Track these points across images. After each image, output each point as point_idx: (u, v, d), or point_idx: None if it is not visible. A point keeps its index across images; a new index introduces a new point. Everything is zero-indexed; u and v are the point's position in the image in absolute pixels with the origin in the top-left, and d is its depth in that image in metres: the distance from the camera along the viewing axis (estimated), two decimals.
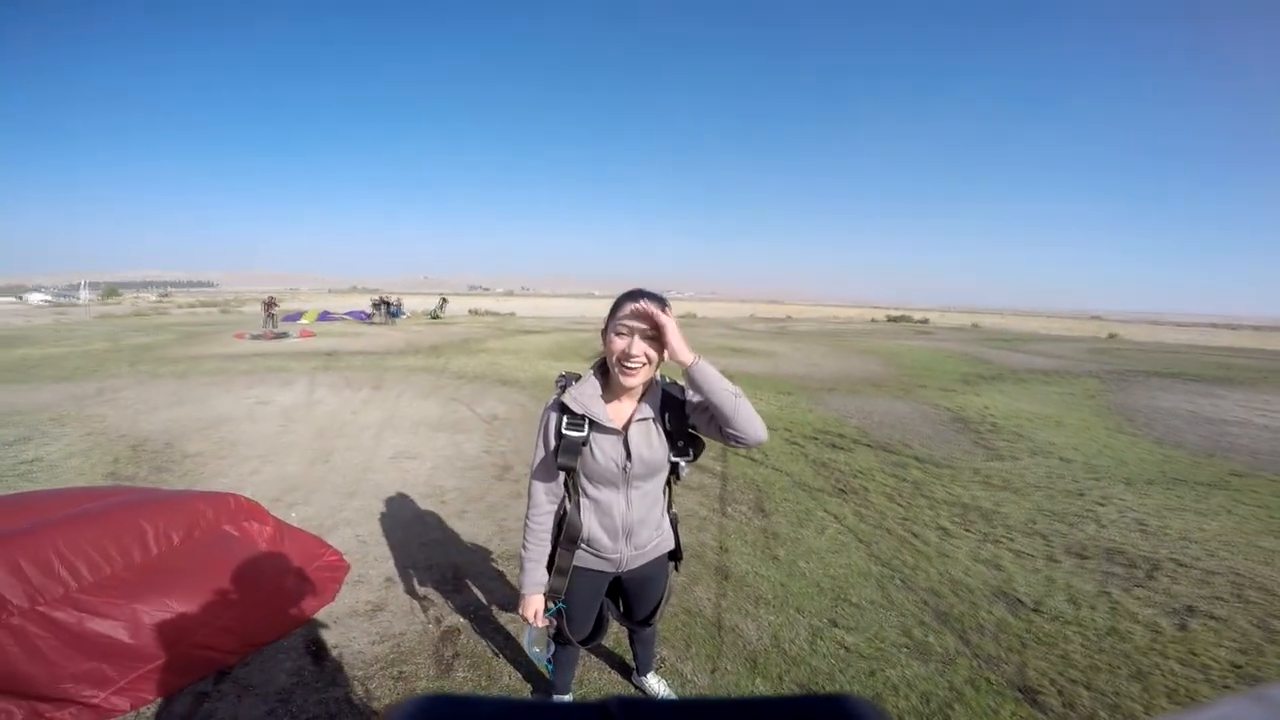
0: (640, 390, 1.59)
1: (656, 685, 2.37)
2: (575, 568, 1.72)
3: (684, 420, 1.63)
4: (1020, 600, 3.14)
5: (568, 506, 1.67)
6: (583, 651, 2.15)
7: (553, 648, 1.91)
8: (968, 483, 5.15)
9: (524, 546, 1.73)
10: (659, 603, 1.89)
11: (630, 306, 1.45)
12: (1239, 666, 2.63)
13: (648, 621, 1.92)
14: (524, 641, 1.90)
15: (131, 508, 2.71)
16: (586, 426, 1.56)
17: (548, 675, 2.06)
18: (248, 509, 3.06)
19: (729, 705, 0.36)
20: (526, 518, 1.73)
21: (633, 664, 2.41)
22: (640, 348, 1.44)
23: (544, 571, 1.74)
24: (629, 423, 1.59)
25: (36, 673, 2.09)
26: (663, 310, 1.42)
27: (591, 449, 1.57)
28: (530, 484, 1.72)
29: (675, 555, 1.86)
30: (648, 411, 1.60)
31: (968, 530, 4.07)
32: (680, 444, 1.63)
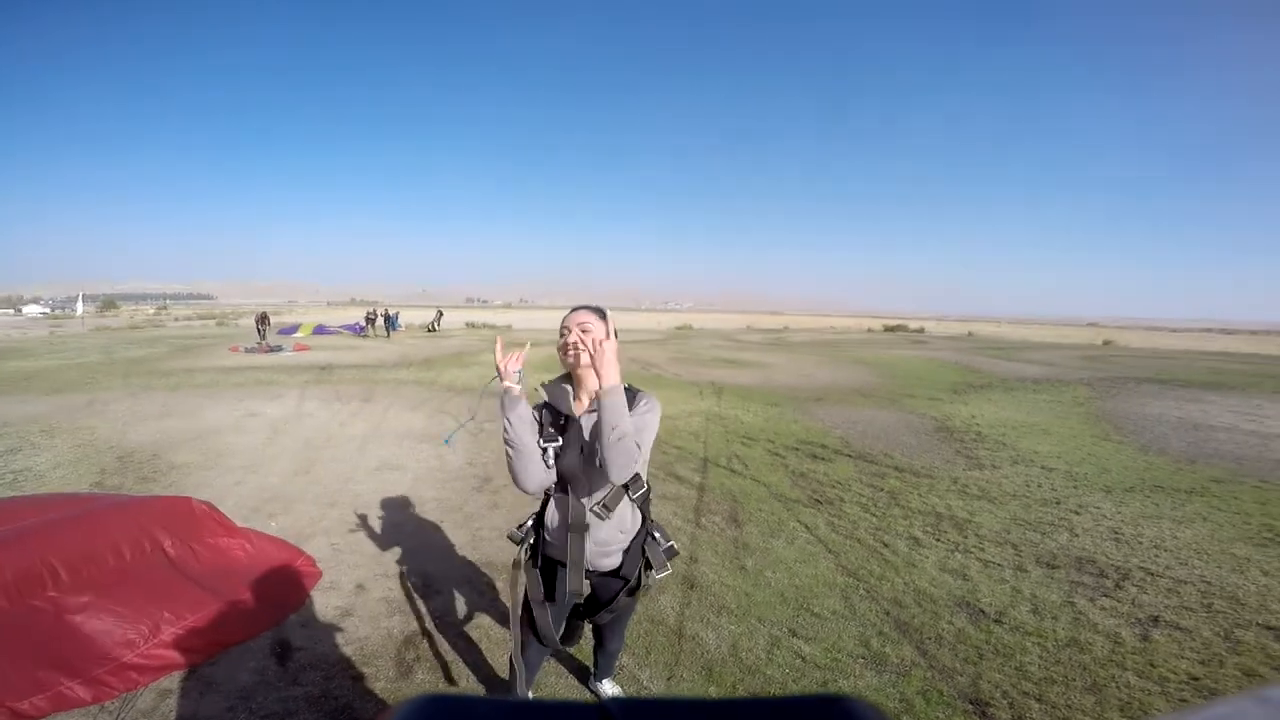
0: (594, 388, 1.78)
1: (611, 690, 2.40)
2: (546, 558, 1.88)
3: None
4: (983, 611, 3.15)
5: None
6: (547, 654, 2.23)
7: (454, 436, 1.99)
8: (944, 492, 5.18)
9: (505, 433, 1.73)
10: (610, 601, 1.90)
11: (570, 316, 1.79)
12: (1197, 679, 2.59)
13: (601, 619, 1.96)
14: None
15: (104, 513, 2.76)
16: (562, 415, 1.81)
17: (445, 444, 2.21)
18: (213, 516, 3.11)
19: (727, 705, 0.36)
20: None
21: (592, 669, 2.46)
22: (577, 336, 1.70)
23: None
24: (583, 413, 1.80)
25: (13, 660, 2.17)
26: (601, 319, 1.75)
27: (562, 435, 1.79)
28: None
29: (622, 573, 1.85)
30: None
31: (938, 540, 4.09)
32: None
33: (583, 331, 1.70)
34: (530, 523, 1.95)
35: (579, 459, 1.76)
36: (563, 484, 1.79)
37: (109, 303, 66.62)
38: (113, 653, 2.39)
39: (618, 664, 2.54)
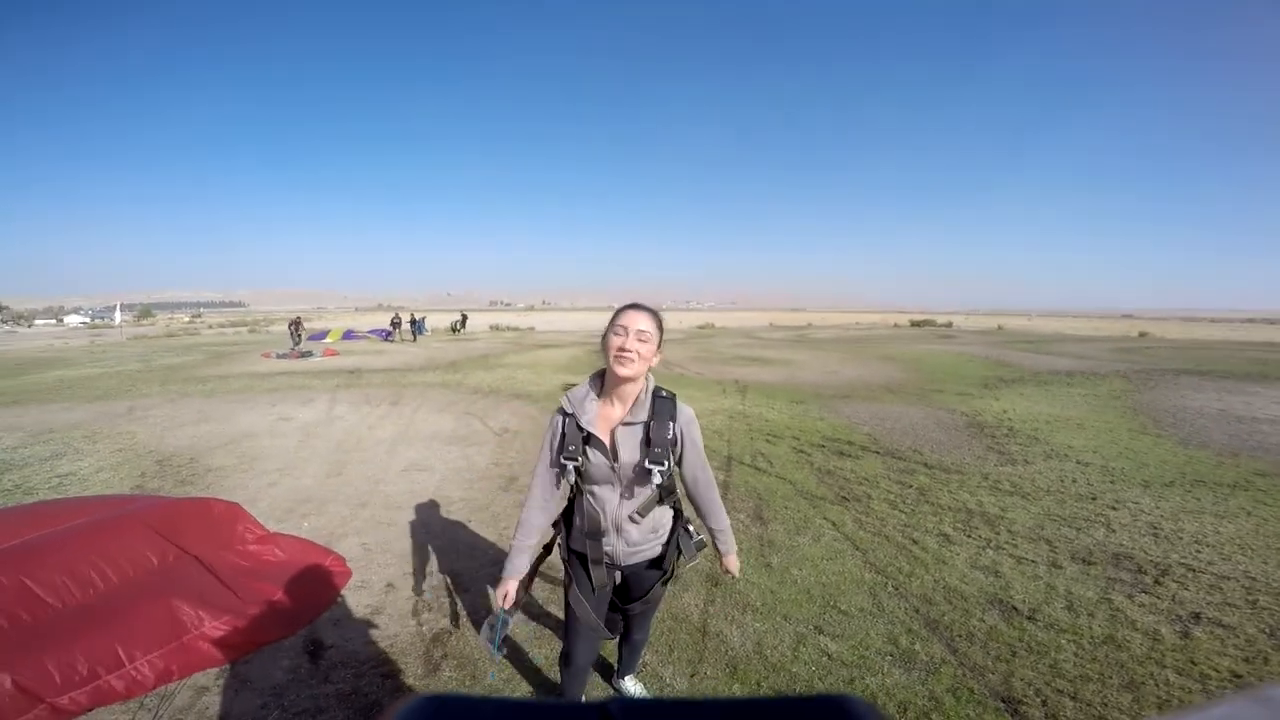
0: (632, 394, 1.76)
1: (633, 688, 2.41)
2: (575, 552, 1.89)
3: (667, 442, 1.74)
4: (1015, 608, 3.09)
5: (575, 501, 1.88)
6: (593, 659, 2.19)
7: (506, 626, 1.95)
8: (975, 488, 5.08)
9: (514, 535, 1.91)
10: (644, 594, 1.95)
11: (627, 315, 1.70)
12: (1239, 676, 2.52)
13: (634, 609, 2.00)
14: (483, 627, 1.99)
15: (137, 515, 2.85)
16: (586, 430, 1.73)
17: (492, 658, 2.25)
18: (244, 518, 3.20)
19: (728, 705, 0.37)
20: (521, 508, 1.91)
21: (615, 665, 2.47)
22: (634, 345, 1.65)
23: (525, 561, 1.92)
24: (617, 425, 1.75)
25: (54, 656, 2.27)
26: (658, 327, 1.72)
27: (587, 450, 1.74)
28: (531, 479, 1.90)
29: (660, 566, 1.90)
30: (635, 417, 1.74)
31: (969, 536, 4.02)
32: (657, 450, 1.72)
33: (640, 340, 1.66)
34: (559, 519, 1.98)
35: (608, 473, 1.74)
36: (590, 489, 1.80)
37: (145, 311, 68.79)
38: (149, 649, 2.47)
39: (641, 661, 2.55)
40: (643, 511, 1.78)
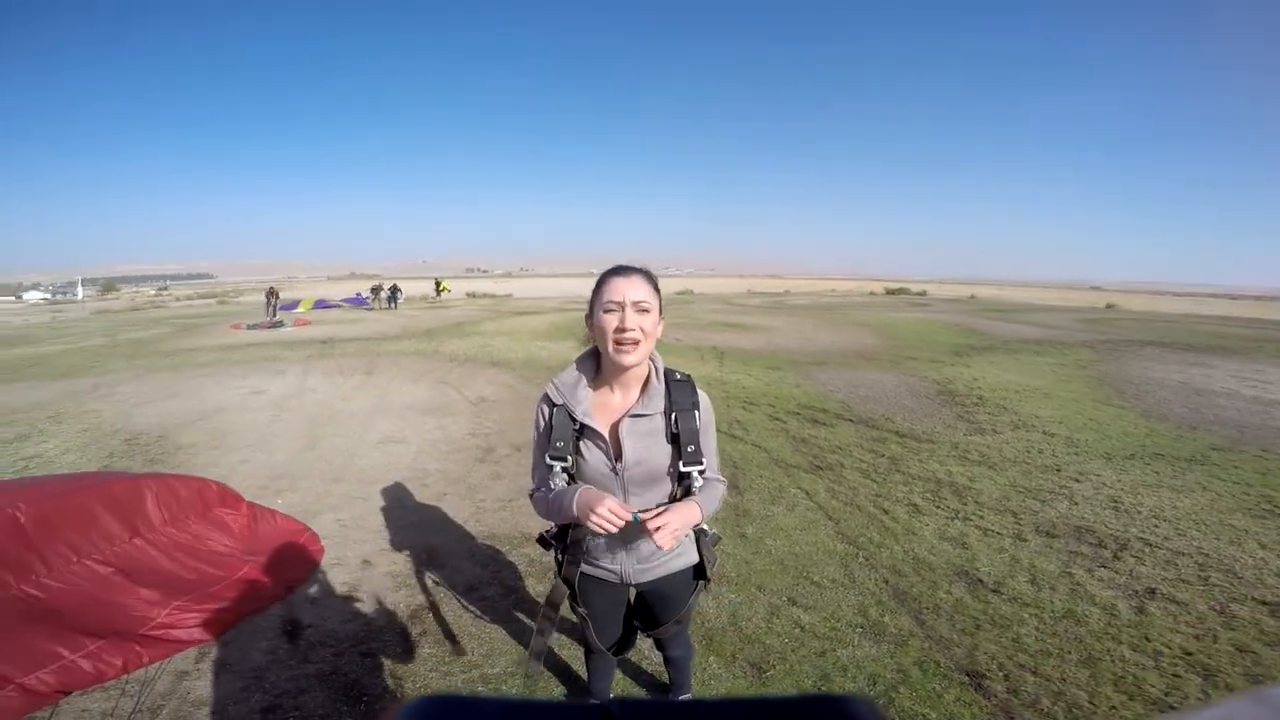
0: (637, 379, 1.47)
1: None
2: (584, 574, 1.60)
3: (698, 438, 1.47)
4: (981, 580, 3.18)
5: None
6: (617, 663, 2.04)
7: (540, 653, 1.68)
8: (945, 458, 5.21)
9: (548, 509, 1.51)
10: (671, 619, 1.69)
11: (618, 282, 1.37)
12: (1190, 654, 2.58)
13: (664, 632, 1.75)
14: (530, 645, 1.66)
15: (97, 488, 2.77)
16: (580, 423, 1.44)
17: (526, 674, 2.07)
18: (222, 494, 3.15)
19: (727, 705, 0.37)
20: (531, 498, 1.58)
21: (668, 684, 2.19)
22: (635, 321, 1.34)
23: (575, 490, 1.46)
24: (621, 417, 1.45)
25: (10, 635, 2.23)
26: (657, 293, 1.39)
27: (580, 446, 1.46)
28: (531, 476, 1.58)
29: (701, 573, 1.65)
30: (647, 408, 1.45)
31: (938, 507, 4.13)
32: (691, 449, 1.46)
33: (640, 313, 1.35)
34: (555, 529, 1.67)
35: (608, 476, 1.45)
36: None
37: (109, 285, 66.41)
38: (115, 628, 2.44)
39: (691, 675, 2.18)
40: None
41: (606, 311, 1.36)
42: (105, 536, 2.65)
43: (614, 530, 1.31)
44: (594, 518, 1.30)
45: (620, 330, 1.34)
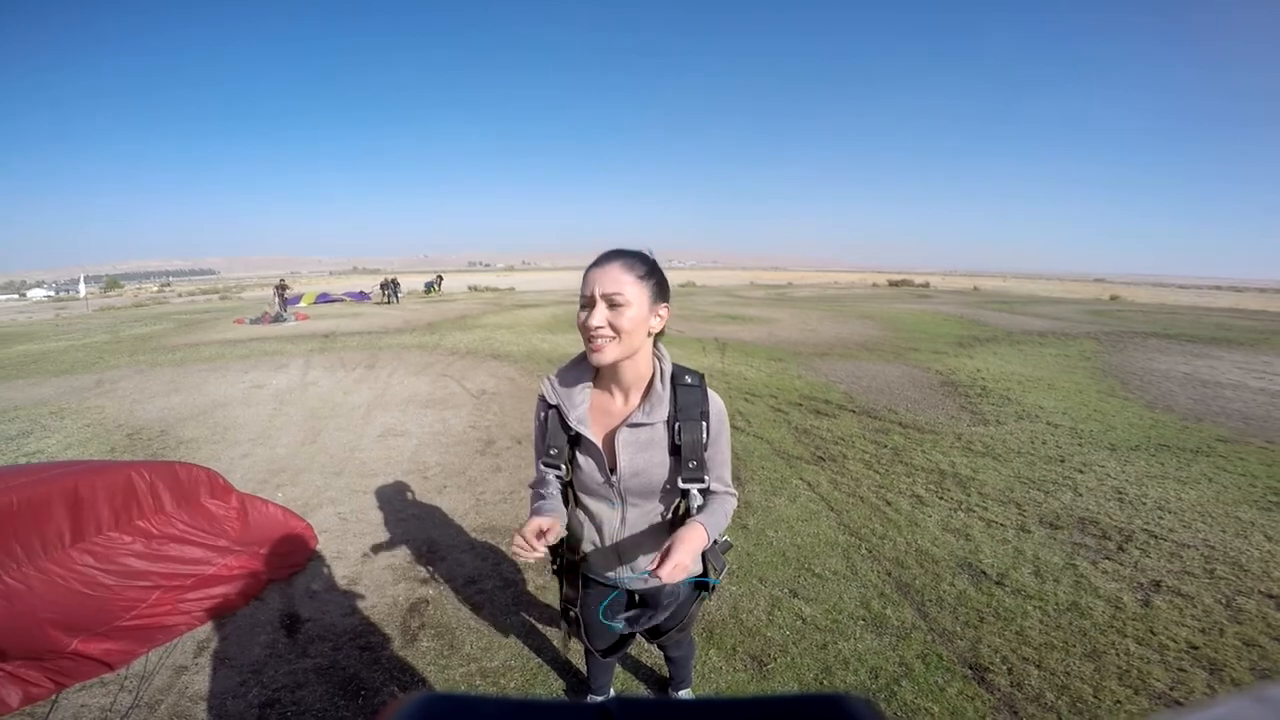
0: (637, 381, 1.35)
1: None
2: (583, 576, 1.57)
3: (702, 451, 1.35)
4: (984, 572, 3.15)
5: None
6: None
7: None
8: (949, 449, 5.18)
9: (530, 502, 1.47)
10: (673, 627, 1.61)
11: (595, 272, 1.23)
12: (1196, 648, 2.55)
13: (664, 640, 1.71)
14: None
15: (86, 475, 2.75)
16: (574, 430, 1.36)
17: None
18: (211, 482, 3.13)
19: (727, 705, 0.36)
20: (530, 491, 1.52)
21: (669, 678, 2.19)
22: (602, 317, 1.20)
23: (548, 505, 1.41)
24: (619, 425, 1.35)
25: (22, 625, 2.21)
26: (642, 277, 1.23)
27: (576, 454, 1.38)
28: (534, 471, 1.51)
29: (704, 583, 1.56)
30: (649, 416, 1.34)
31: (941, 498, 4.10)
32: (693, 465, 1.34)
33: (612, 308, 1.20)
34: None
35: (603, 487, 1.38)
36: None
37: (113, 282, 66.52)
38: (94, 620, 2.41)
39: (692, 670, 2.20)
40: (656, 534, 1.44)
41: (580, 307, 1.26)
42: (90, 525, 2.62)
43: (525, 559, 1.23)
44: (513, 544, 1.23)
45: (586, 329, 1.23)
